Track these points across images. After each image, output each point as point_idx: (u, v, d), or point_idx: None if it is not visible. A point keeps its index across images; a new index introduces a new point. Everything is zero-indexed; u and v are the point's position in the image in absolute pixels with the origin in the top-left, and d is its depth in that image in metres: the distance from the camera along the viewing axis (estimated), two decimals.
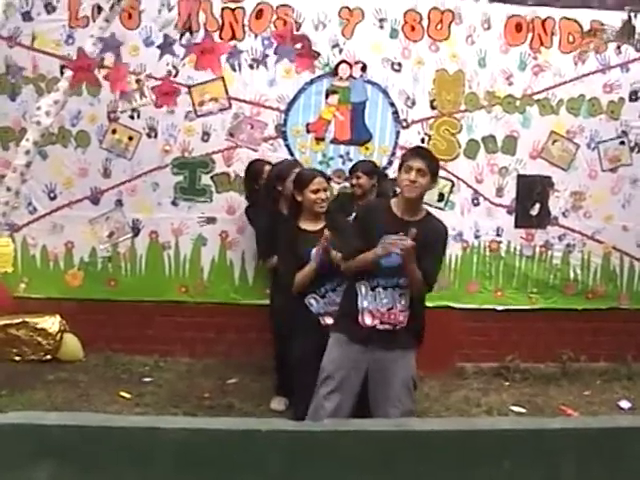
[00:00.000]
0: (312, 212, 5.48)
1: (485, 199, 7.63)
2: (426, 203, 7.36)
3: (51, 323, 7.17)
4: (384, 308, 4.86)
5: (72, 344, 7.24)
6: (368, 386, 4.94)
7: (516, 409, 6.54)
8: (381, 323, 4.87)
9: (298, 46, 6.23)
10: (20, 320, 7.16)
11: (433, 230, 4.94)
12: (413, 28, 7.44)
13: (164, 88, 6.77)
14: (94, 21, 6.82)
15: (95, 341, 7.24)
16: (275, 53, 6.91)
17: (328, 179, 5.77)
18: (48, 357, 7.16)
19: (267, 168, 6.76)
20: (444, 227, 5.10)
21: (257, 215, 6.71)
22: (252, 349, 7.16)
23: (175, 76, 7.16)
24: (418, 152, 5.03)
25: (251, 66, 7.35)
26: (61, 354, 7.20)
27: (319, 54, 7.21)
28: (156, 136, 7.39)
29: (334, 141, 7.50)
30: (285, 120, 7.46)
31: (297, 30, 7.17)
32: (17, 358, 7.13)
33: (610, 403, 6.88)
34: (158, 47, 6.99)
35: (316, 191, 5.44)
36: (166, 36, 6.81)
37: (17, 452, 3.15)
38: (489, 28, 7.49)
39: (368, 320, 4.86)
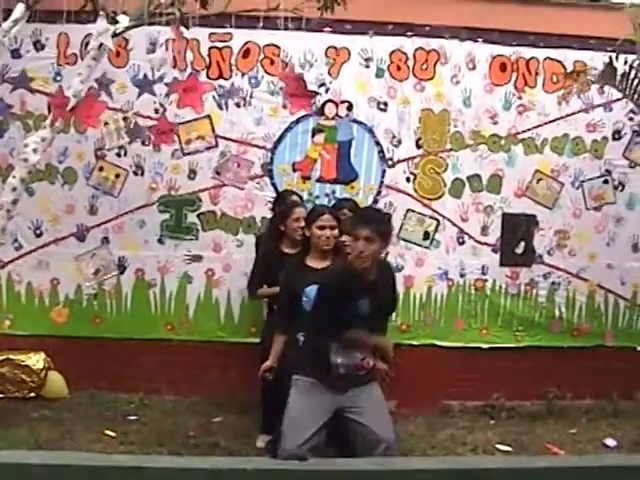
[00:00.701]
0: (317, 249, 5.47)
1: (470, 238, 7.66)
2: (412, 242, 7.47)
3: (35, 360, 7.13)
4: (357, 360, 4.83)
5: (56, 382, 7.20)
6: (347, 425, 4.89)
7: (502, 447, 6.52)
8: (355, 371, 4.84)
9: (294, 86, 6.31)
10: (4, 357, 7.12)
11: (382, 272, 4.92)
12: (399, 68, 7.51)
13: (160, 127, 6.81)
14: (82, 59, 6.86)
15: (80, 379, 7.19)
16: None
17: (338, 219, 5.66)
18: (32, 394, 7.11)
19: (294, 198, 6.78)
20: (388, 264, 5.34)
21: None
22: (236, 387, 7.11)
23: (162, 114, 7.20)
24: (363, 218, 4.91)
25: (238, 105, 7.40)
26: (45, 392, 7.15)
27: (316, 93, 7.27)
28: (143, 174, 7.41)
29: (320, 180, 7.53)
30: (271, 159, 7.49)
31: (283, 69, 7.25)
32: (1, 395, 7.08)
33: (596, 441, 6.85)
34: (136, 86, 7.09)
35: (322, 227, 5.45)
36: (145, 75, 6.87)
37: None
38: (474, 68, 7.57)
39: (342, 370, 4.80)
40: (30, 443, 6.02)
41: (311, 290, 5.28)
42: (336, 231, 5.53)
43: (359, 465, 3.25)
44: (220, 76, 7.37)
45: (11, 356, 7.13)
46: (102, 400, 7.12)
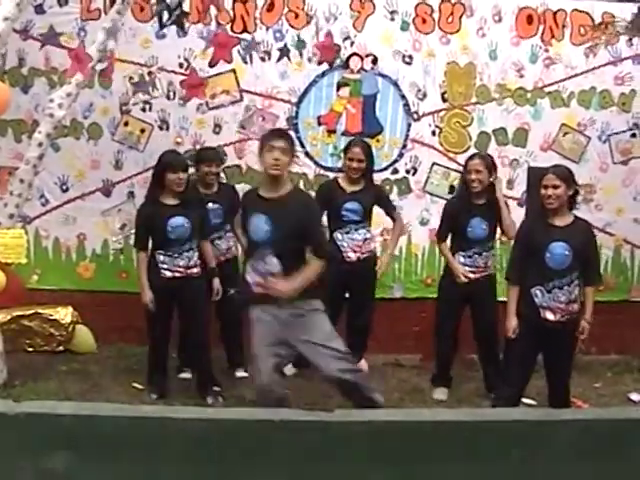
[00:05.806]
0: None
1: None
2: (437, 195, 7.47)
3: (63, 314, 7.20)
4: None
5: (84, 336, 7.27)
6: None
7: (526, 401, 6.51)
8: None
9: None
10: (32, 311, 7.19)
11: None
12: (424, 20, 7.45)
13: (191, 81, 6.84)
14: (106, 13, 6.85)
15: (107, 333, 7.26)
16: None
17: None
18: (60, 348, 7.19)
19: None
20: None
21: None
22: None
23: (187, 69, 7.19)
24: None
25: (262, 59, 7.38)
26: (73, 346, 7.23)
27: (339, 47, 7.29)
28: (168, 128, 7.41)
29: (345, 133, 7.51)
30: (296, 112, 7.49)
31: (308, 23, 7.23)
32: (29, 349, 7.17)
33: (621, 395, 6.86)
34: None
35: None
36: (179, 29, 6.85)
37: (31, 440, 3.18)
38: (500, 20, 7.49)
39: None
40: (59, 395, 6.09)
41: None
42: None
43: (386, 416, 3.27)
44: (244, 30, 7.33)
45: (39, 310, 7.21)
46: (130, 354, 7.15)
